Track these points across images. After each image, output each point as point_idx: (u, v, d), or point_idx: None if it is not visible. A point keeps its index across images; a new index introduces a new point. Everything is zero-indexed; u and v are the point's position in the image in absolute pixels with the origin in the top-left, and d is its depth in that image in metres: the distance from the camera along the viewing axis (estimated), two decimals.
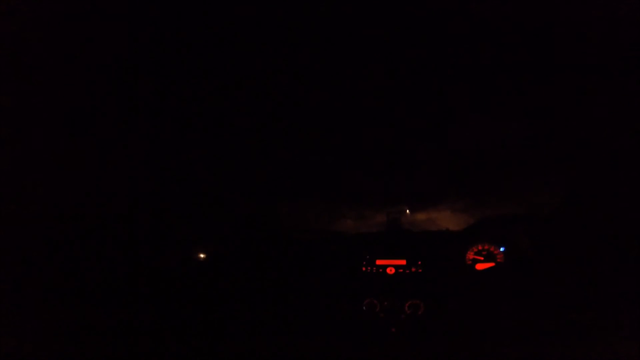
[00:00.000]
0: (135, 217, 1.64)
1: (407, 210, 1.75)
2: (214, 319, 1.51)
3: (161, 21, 1.19)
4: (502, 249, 1.52)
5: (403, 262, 1.56)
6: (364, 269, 1.59)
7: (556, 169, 1.46)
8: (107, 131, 1.48)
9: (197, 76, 1.39)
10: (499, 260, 1.52)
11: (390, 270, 1.56)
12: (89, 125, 1.44)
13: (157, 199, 1.66)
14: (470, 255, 1.55)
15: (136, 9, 1.14)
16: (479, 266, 1.53)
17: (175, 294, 1.58)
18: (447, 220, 1.74)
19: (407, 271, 1.55)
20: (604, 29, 1.14)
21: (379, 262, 1.58)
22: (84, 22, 1.18)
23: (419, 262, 1.54)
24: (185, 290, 1.60)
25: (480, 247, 1.55)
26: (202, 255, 1.73)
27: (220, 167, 1.66)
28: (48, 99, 1.36)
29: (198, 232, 1.73)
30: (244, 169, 1.68)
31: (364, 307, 1.47)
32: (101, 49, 1.27)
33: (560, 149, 1.40)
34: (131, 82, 1.38)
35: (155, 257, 1.64)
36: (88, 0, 1.12)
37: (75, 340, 1.38)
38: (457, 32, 1.18)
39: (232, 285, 1.62)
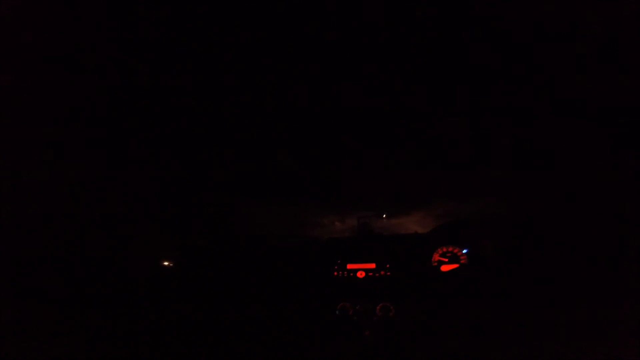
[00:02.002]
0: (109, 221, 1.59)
1: (384, 215, 1.80)
2: (186, 325, 1.49)
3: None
4: (465, 251, 1.61)
5: (373, 265, 1.61)
6: (335, 273, 1.62)
7: (516, 173, 1.55)
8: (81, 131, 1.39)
9: (165, 75, 1.33)
10: (462, 261, 1.61)
11: (361, 274, 1.60)
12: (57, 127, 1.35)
13: (130, 203, 1.59)
14: (436, 257, 1.62)
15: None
16: (444, 267, 1.61)
17: (150, 300, 1.54)
18: (414, 224, 1.80)
19: (377, 274, 1.60)
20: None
21: (349, 266, 1.62)
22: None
23: (388, 265, 1.60)
24: (157, 296, 1.56)
25: (445, 249, 1.62)
26: (168, 263, 1.69)
27: (191, 171, 1.62)
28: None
29: (168, 238, 1.69)
30: (215, 174, 1.65)
31: (337, 312, 1.49)
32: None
33: (521, 153, 1.48)
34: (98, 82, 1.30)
35: (125, 263, 1.58)
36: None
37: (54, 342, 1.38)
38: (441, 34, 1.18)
39: (204, 291, 1.60)
